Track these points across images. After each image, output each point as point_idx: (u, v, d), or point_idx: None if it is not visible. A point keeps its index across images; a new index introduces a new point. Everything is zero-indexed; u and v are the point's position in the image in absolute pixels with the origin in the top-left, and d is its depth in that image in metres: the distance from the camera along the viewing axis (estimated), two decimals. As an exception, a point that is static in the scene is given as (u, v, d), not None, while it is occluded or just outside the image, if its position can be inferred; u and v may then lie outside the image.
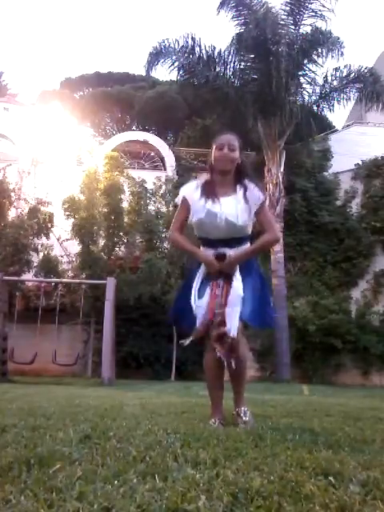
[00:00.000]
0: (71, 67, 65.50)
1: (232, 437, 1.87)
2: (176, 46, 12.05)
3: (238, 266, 2.43)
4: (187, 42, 12.02)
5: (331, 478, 1.26)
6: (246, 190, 2.47)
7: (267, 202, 2.57)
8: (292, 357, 11.10)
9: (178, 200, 2.58)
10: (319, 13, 11.86)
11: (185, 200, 2.52)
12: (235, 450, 1.62)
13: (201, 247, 2.55)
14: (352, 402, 4.47)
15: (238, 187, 2.48)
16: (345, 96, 12.52)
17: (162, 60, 12.19)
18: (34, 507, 1.00)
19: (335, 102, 12.62)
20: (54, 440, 1.72)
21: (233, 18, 12.11)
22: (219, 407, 2.46)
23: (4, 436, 1.80)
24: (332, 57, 11.94)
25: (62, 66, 62.51)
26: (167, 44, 12.08)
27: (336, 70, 12.32)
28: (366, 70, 12.26)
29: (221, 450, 1.60)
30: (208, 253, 2.46)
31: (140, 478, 1.23)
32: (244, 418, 2.40)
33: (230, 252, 2.42)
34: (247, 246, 2.52)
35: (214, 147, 2.48)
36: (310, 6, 11.98)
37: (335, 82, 12.44)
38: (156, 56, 12.20)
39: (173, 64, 12.21)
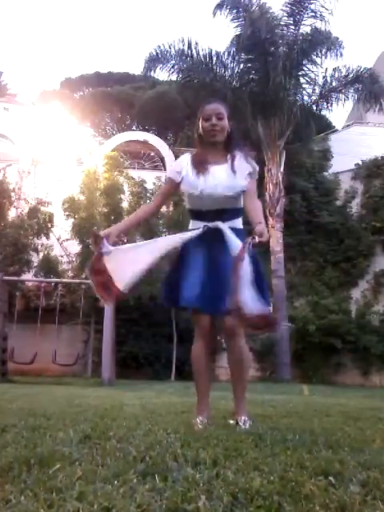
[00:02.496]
0: (71, 67, 65.57)
1: (232, 437, 1.87)
2: (173, 51, 12.05)
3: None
4: (184, 45, 12.01)
5: (331, 478, 1.26)
6: (233, 159, 2.37)
7: (256, 174, 2.46)
8: (292, 357, 11.10)
9: (169, 172, 2.51)
10: (319, 13, 11.87)
11: (171, 179, 2.45)
12: (235, 450, 1.62)
13: (191, 222, 2.44)
14: (352, 402, 4.47)
15: (228, 156, 2.38)
16: (344, 96, 12.55)
17: (160, 65, 12.21)
18: (34, 507, 1.00)
19: (334, 102, 12.65)
20: (53, 440, 1.72)
21: (232, 19, 12.12)
22: (206, 401, 2.36)
23: (4, 436, 1.80)
24: (331, 57, 11.97)
25: (62, 66, 62.59)
26: (164, 49, 12.08)
27: (335, 70, 12.35)
28: (364, 71, 12.28)
29: (221, 450, 1.60)
30: (198, 225, 2.35)
31: (140, 477, 1.23)
32: (243, 427, 2.19)
33: (222, 225, 2.29)
34: (240, 220, 2.42)
35: (201, 118, 2.38)
36: (309, 6, 11.99)
37: (334, 83, 12.46)
38: (153, 62, 12.22)
39: (171, 68, 12.23)
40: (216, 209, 2.32)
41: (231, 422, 2.34)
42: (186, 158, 2.45)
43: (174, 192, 2.50)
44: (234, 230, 2.31)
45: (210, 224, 2.30)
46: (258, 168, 2.46)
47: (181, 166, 2.43)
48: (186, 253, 2.35)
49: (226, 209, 2.34)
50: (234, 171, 2.33)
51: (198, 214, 2.39)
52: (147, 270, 2.31)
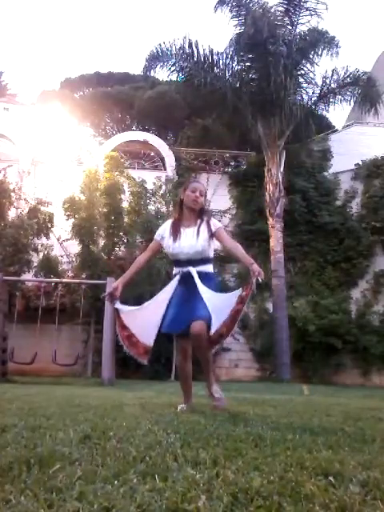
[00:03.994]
0: (71, 67, 65.51)
1: (232, 437, 1.87)
2: (173, 49, 12.05)
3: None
4: (185, 44, 12.02)
5: (331, 478, 1.26)
6: (200, 224, 3.26)
7: (222, 228, 3.39)
8: (292, 357, 11.11)
9: (156, 235, 3.40)
10: (314, 11, 11.89)
11: (156, 239, 3.37)
12: (235, 449, 1.62)
13: (174, 267, 3.33)
14: (352, 402, 4.47)
15: (198, 221, 3.29)
16: (341, 98, 12.60)
17: (160, 64, 12.21)
18: (34, 507, 1.00)
19: (333, 103, 12.70)
20: (53, 440, 1.72)
21: (232, 18, 12.12)
22: (189, 395, 3.24)
23: (4, 436, 1.80)
24: (327, 55, 12.02)
25: (62, 66, 62.52)
26: (164, 48, 12.07)
27: (334, 71, 12.38)
28: (362, 74, 12.33)
29: (221, 449, 1.60)
30: (177, 270, 3.26)
31: (140, 478, 1.23)
32: (216, 396, 3.17)
33: (192, 270, 3.17)
34: (210, 265, 3.29)
35: (188, 189, 3.29)
36: (304, 4, 12.01)
37: (333, 84, 12.51)
38: (153, 60, 12.21)
39: (171, 67, 12.22)
40: (187, 259, 3.22)
41: (208, 395, 3.22)
42: (167, 225, 3.36)
43: (159, 249, 3.43)
44: (203, 273, 3.20)
45: (184, 269, 3.21)
46: (220, 225, 3.36)
47: (164, 231, 3.34)
48: (172, 293, 3.23)
49: (195, 259, 3.21)
50: (198, 233, 3.22)
51: (177, 262, 3.29)
52: (160, 321, 3.15)
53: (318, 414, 3.07)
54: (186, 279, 3.18)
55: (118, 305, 3.21)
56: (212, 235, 3.25)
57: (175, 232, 3.27)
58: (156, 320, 3.13)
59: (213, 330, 2.98)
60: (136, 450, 1.54)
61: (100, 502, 1.03)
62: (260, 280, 2.95)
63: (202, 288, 3.09)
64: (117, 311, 3.23)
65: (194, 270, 3.17)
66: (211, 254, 3.29)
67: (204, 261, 3.25)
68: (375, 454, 1.64)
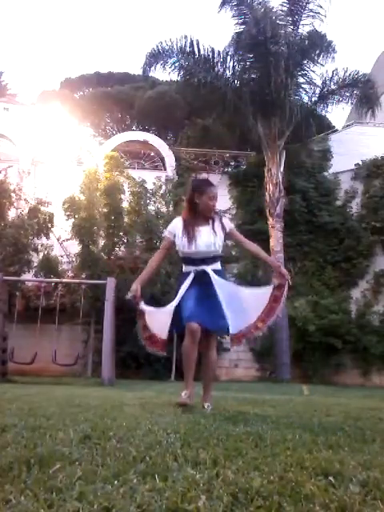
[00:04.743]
0: (71, 67, 65.49)
1: (232, 437, 1.87)
2: (174, 48, 12.05)
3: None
4: (185, 43, 12.02)
5: (331, 478, 1.26)
6: (214, 223, 3.27)
7: (234, 227, 3.48)
8: (292, 357, 11.11)
9: (167, 232, 3.39)
10: (316, 12, 11.91)
11: (168, 237, 3.35)
12: (235, 449, 1.62)
13: (184, 265, 3.32)
14: (352, 402, 4.48)
15: (210, 221, 3.28)
16: (340, 99, 12.62)
17: (160, 62, 12.20)
18: (34, 507, 1.00)
19: (332, 104, 12.73)
20: (53, 440, 1.72)
21: (233, 16, 12.12)
22: (191, 381, 3.15)
23: (4, 436, 1.80)
24: (324, 60, 12.08)
25: (62, 66, 62.48)
26: (165, 46, 12.07)
27: (333, 72, 12.41)
28: (361, 75, 12.35)
29: (221, 449, 1.60)
30: (190, 269, 3.24)
31: (140, 478, 1.23)
32: (205, 407, 3.14)
33: (208, 268, 3.19)
34: (219, 262, 3.31)
35: (205, 195, 3.23)
36: (307, 5, 12.02)
37: (332, 85, 12.54)
38: (154, 58, 12.20)
39: (171, 65, 12.22)
40: (201, 258, 3.21)
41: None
42: (178, 223, 3.32)
43: (173, 246, 3.34)
44: (216, 270, 3.24)
45: (198, 268, 3.20)
46: (232, 225, 3.42)
47: (174, 228, 3.31)
48: (184, 292, 3.19)
49: (208, 257, 3.23)
50: (214, 232, 3.23)
51: (188, 261, 3.28)
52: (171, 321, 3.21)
53: (318, 414, 3.07)
54: (201, 277, 3.18)
55: (143, 306, 3.31)
56: (226, 234, 3.30)
57: (189, 232, 3.23)
58: (168, 320, 3.20)
59: (235, 331, 3.13)
60: (136, 450, 1.54)
61: (100, 502, 1.03)
62: (289, 283, 3.21)
63: (220, 289, 3.13)
64: (141, 312, 3.31)
65: (209, 269, 3.19)
66: (221, 251, 3.32)
67: (216, 259, 3.28)
68: (375, 454, 1.64)
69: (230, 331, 3.14)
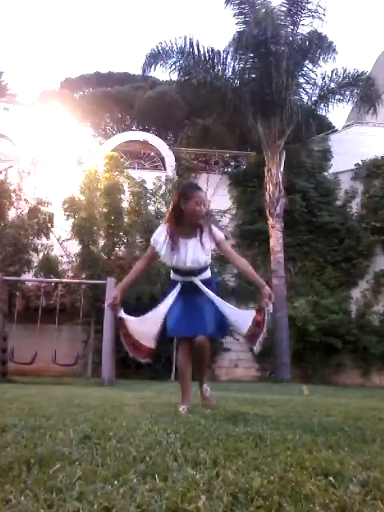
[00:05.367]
0: (71, 67, 65.47)
1: (232, 437, 1.87)
2: (174, 48, 12.05)
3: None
4: (185, 43, 12.01)
5: (331, 478, 1.26)
6: (202, 233, 3.03)
7: (224, 239, 3.20)
8: (292, 357, 11.10)
9: (152, 241, 3.15)
10: (316, 12, 11.91)
11: (152, 246, 3.14)
12: (235, 449, 1.61)
13: (172, 273, 3.21)
14: (352, 402, 4.47)
15: (198, 231, 3.03)
16: (341, 98, 12.61)
17: (160, 62, 12.20)
18: (34, 507, 1.00)
19: (332, 103, 12.73)
20: (53, 440, 1.72)
21: (234, 15, 12.11)
22: (188, 395, 3.10)
23: (4, 436, 1.80)
24: (325, 60, 12.06)
25: (62, 66, 62.48)
26: (165, 46, 12.07)
27: (333, 72, 12.40)
28: (361, 74, 12.34)
29: (221, 449, 1.60)
30: (177, 278, 3.15)
31: (140, 478, 1.23)
32: (206, 394, 3.29)
33: (196, 279, 3.09)
34: (209, 270, 3.19)
35: (191, 200, 2.95)
36: (307, 5, 12.02)
37: (332, 85, 12.52)
38: (153, 58, 12.20)
39: (171, 66, 12.22)
40: (188, 270, 3.09)
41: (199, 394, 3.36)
42: (163, 232, 3.08)
43: (155, 256, 3.19)
44: (204, 280, 3.13)
45: (185, 279, 3.11)
46: (222, 235, 3.14)
47: (158, 238, 3.10)
48: (173, 302, 3.12)
49: (196, 269, 3.10)
50: (202, 245, 3.02)
51: (175, 270, 3.17)
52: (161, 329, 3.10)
53: (318, 414, 3.07)
54: (188, 287, 3.11)
55: (122, 314, 3.17)
56: (216, 245, 3.12)
57: (174, 243, 3.03)
58: (157, 329, 3.09)
59: (245, 328, 3.07)
60: (136, 450, 1.54)
61: (100, 502, 1.03)
62: (271, 304, 3.04)
63: (210, 296, 3.07)
64: (121, 320, 3.17)
65: (197, 280, 3.10)
66: (209, 261, 3.18)
67: (205, 269, 3.16)
68: (375, 454, 1.64)
69: (241, 331, 3.10)
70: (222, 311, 3.08)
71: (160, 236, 3.09)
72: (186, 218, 3.02)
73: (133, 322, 3.19)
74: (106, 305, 3.20)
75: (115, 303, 3.12)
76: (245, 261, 3.22)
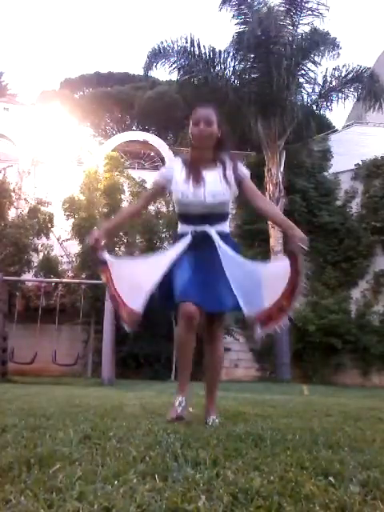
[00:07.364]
0: (71, 67, 65.54)
1: (232, 437, 1.87)
2: (175, 47, 12.06)
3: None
4: (186, 42, 12.03)
5: (331, 478, 1.26)
6: (225, 167, 2.43)
7: (249, 177, 2.54)
8: (292, 357, 11.10)
9: (158, 176, 2.55)
10: (316, 11, 11.90)
11: (159, 181, 2.53)
12: (235, 450, 1.61)
13: (179, 225, 2.51)
14: (352, 402, 4.47)
15: (217, 163, 2.44)
16: (343, 96, 12.58)
17: (161, 61, 12.21)
18: (34, 507, 1.00)
19: (334, 101, 12.69)
20: (53, 440, 1.71)
21: (233, 16, 12.12)
22: (186, 384, 2.41)
23: (4, 436, 1.79)
24: (328, 57, 12.04)
25: (62, 66, 62.54)
26: (166, 45, 12.08)
27: (335, 69, 12.38)
28: (364, 70, 12.31)
29: (221, 450, 1.60)
30: (187, 229, 2.42)
31: (140, 478, 1.23)
32: (209, 424, 2.32)
33: (211, 230, 2.37)
34: (226, 224, 2.49)
35: (191, 123, 2.41)
36: (306, 5, 12.02)
37: (334, 82, 12.49)
38: (155, 57, 12.21)
39: (172, 65, 12.23)
40: (203, 214, 2.38)
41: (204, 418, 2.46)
42: (177, 163, 2.50)
43: (160, 195, 2.59)
44: (222, 234, 2.40)
45: (198, 229, 2.38)
46: (248, 173, 2.53)
47: (171, 171, 2.48)
48: (177, 257, 2.39)
49: (214, 214, 2.40)
50: (225, 179, 2.39)
51: (186, 218, 2.45)
52: (153, 286, 2.35)
53: (318, 414, 3.07)
54: (201, 242, 2.37)
55: (106, 255, 2.58)
56: (239, 186, 2.46)
57: (194, 174, 2.39)
58: (148, 283, 2.36)
59: (255, 310, 2.39)
60: (136, 450, 1.54)
61: (100, 502, 1.03)
62: (305, 248, 2.44)
63: (225, 259, 2.33)
64: (103, 263, 2.56)
65: (213, 231, 2.37)
66: (229, 209, 2.52)
67: (224, 217, 2.47)
68: (375, 454, 1.64)
69: (246, 311, 2.35)
70: (235, 283, 2.31)
71: (170, 168, 2.54)
72: (194, 147, 2.45)
73: (121, 268, 2.61)
74: (87, 241, 2.61)
75: (96, 246, 2.55)
76: (271, 203, 2.69)
